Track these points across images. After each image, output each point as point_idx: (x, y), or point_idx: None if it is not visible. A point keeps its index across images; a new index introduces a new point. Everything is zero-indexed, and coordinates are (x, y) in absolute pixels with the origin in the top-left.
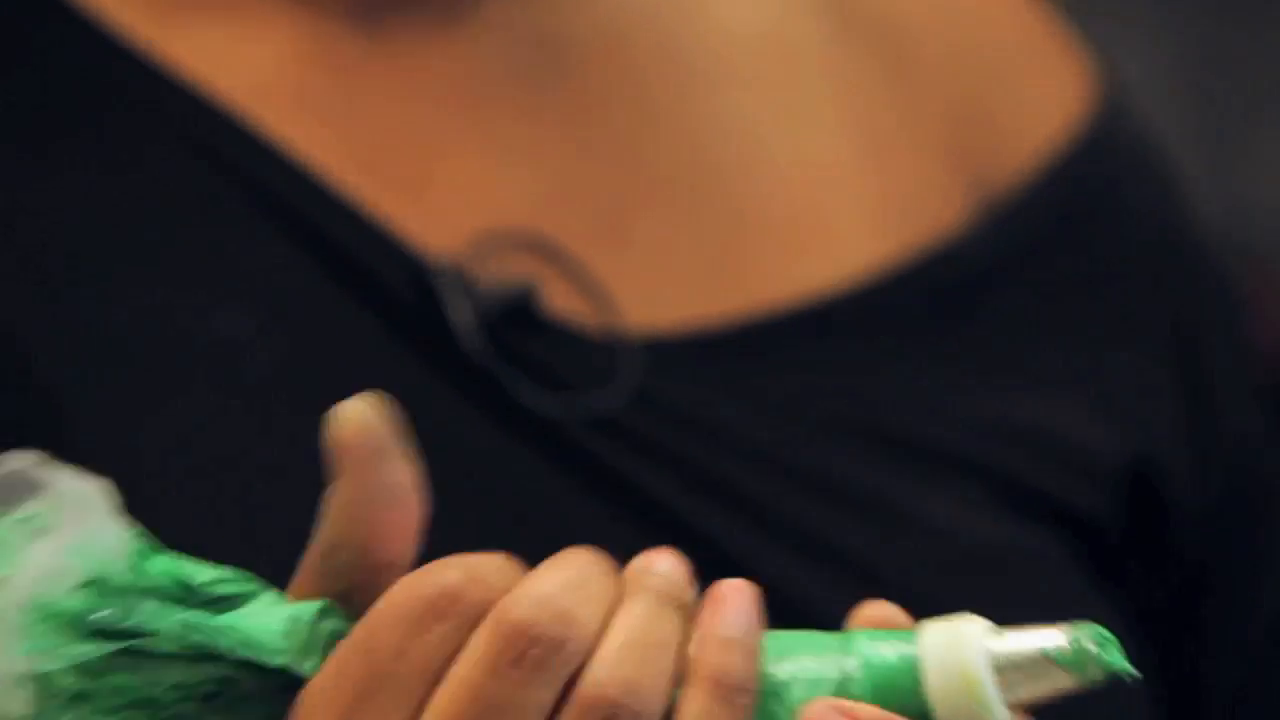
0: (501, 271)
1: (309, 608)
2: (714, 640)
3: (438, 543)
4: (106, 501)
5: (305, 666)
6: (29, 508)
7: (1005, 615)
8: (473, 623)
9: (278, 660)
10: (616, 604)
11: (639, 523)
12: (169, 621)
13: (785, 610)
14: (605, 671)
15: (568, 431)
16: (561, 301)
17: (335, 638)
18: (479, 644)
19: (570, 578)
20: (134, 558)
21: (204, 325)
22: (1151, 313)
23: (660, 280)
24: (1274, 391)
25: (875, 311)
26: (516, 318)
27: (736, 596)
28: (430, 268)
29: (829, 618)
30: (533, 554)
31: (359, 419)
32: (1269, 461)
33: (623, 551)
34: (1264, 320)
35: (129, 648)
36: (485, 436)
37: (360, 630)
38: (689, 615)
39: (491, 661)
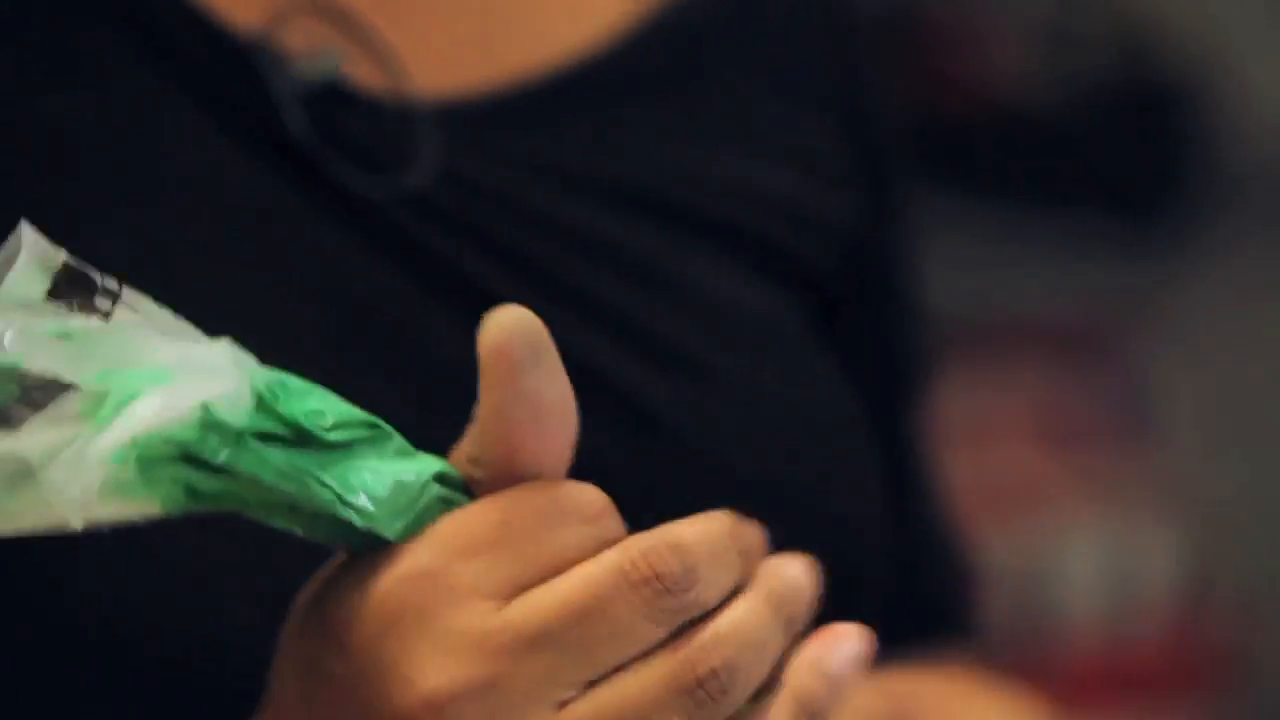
0: (304, 44)
1: (421, 473)
2: (816, 667)
3: (262, 324)
4: (229, 345)
5: (393, 528)
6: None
7: (769, 379)
8: (609, 542)
9: (364, 523)
10: (741, 586)
11: (454, 299)
12: (274, 466)
13: (581, 374)
14: (714, 640)
15: (384, 211)
16: (358, 72)
17: (444, 505)
18: (612, 557)
19: (710, 542)
20: (254, 399)
21: (32, 107)
22: (823, 71)
23: (442, 47)
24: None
25: (626, 73)
26: (328, 93)
27: (850, 639)
28: (245, 44)
29: (620, 380)
30: (355, 334)
31: (508, 326)
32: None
33: (440, 330)
34: (954, 63)
35: (230, 490)
36: (309, 217)
37: (500, 501)
38: (795, 629)
39: (620, 574)
